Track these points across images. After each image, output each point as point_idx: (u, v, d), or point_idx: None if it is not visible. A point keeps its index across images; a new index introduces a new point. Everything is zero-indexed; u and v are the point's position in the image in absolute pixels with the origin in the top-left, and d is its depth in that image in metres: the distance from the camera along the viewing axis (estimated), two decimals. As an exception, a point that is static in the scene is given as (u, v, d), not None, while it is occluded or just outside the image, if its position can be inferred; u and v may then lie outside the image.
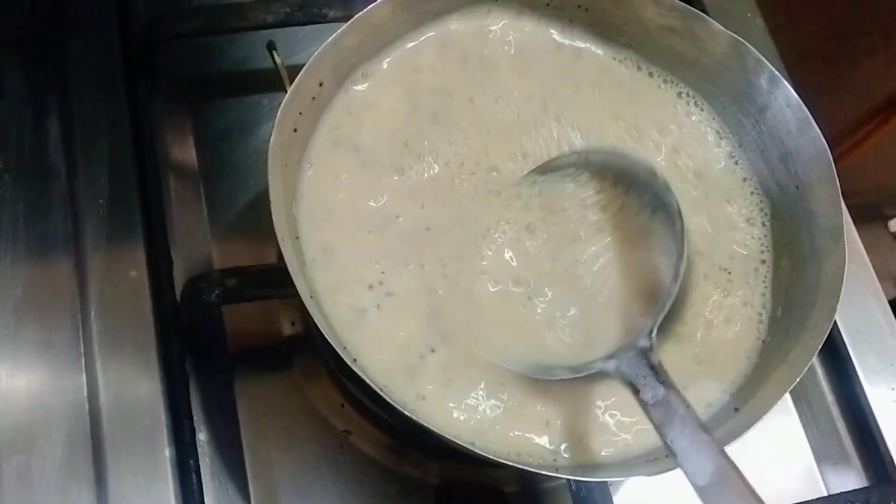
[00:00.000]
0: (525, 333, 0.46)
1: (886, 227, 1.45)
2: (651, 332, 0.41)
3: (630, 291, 0.46)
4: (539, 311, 0.46)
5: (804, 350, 0.42)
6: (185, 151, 0.57)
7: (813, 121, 0.46)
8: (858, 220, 0.59)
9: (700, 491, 0.37)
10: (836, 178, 0.45)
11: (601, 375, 0.43)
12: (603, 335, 0.45)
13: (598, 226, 0.48)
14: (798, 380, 0.41)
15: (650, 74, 0.52)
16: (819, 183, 0.46)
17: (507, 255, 0.47)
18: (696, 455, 0.37)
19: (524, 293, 0.46)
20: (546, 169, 0.48)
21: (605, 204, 0.48)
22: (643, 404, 0.39)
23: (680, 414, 0.38)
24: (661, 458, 0.43)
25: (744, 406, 0.43)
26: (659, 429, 0.38)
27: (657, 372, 0.40)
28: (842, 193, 0.56)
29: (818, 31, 1.11)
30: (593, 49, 0.52)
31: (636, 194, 0.47)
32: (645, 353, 0.40)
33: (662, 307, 0.42)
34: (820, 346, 0.42)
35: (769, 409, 0.41)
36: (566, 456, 0.44)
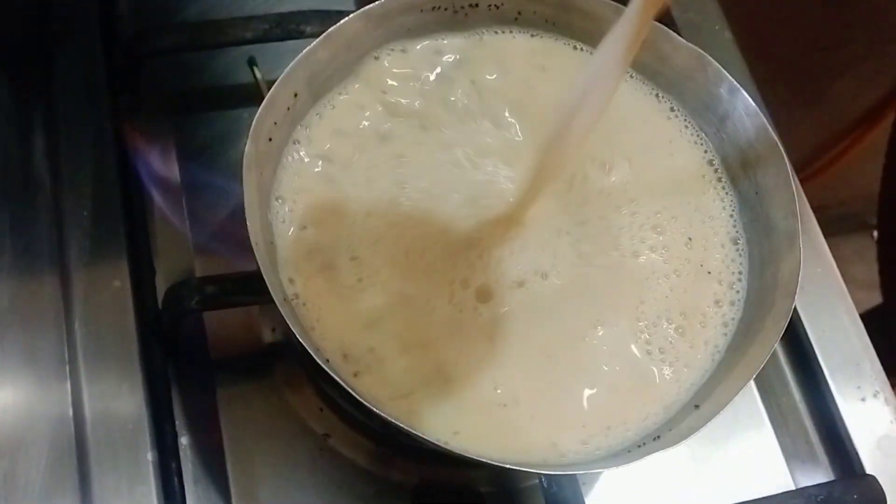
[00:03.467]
0: None
1: (871, 236, 1.46)
2: None
3: None
4: None
5: (760, 349, 0.44)
6: (167, 164, 0.58)
7: (771, 129, 0.48)
8: (843, 230, 0.61)
9: None
10: (792, 186, 0.47)
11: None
12: None
13: None
14: (753, 378, 0.42)
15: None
16: (776, 188, 0.48)
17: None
18: None
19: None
20: None
21: None
22: None
23: None
24: (631, 451, 0.44)
25: (703, 403, 0.45)
26: None
27: None
28: (825, 204, 0.58)
29: (797, 45, 1.13)
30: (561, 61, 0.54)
31: None
32: None
33: None
34: (774, 345, 0.43)
35: (725, 405, 0.42)
36: (543, 456, 0.45)
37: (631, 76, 0.53)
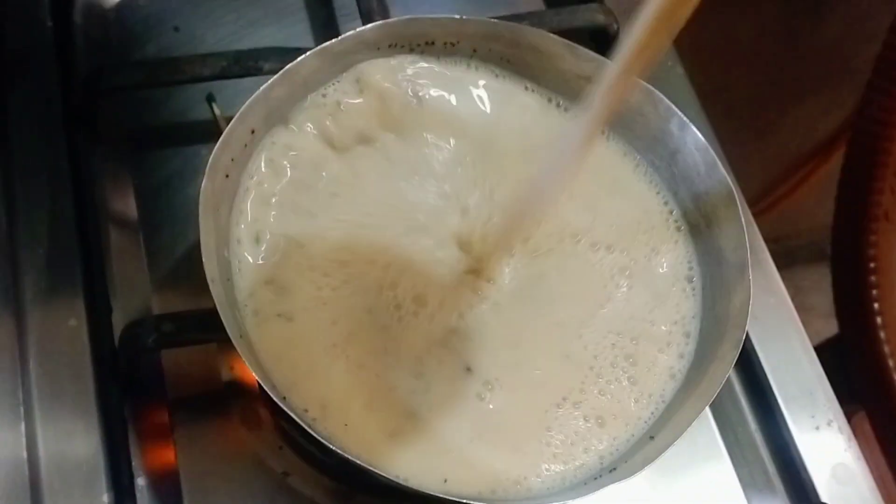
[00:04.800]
0: None
1: (828, 266, 1.48)
2: None
3: None
4: None
5: (713, 380, 0.44)
6: (124, 201, 0.58)
7: (719, 163, 0.49)
8: (801, 261, 0.62)
9: None
10: (741, 218, 0.48)
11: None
12: None
13: None
14: (708, 405, 0.43)
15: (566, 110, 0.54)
16: (726, 221, 0.49)
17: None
18: None
19: None
20: None
21: None
22: None
23: None
24: (588, 483, 0.45)
25: (658, 434, 0.45)
26: None
27: None
28: (784, 235, 0.59)
29: (748, 80, 1.15)
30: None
31: None
32: None
33: None
34: (727, 375, 0.44)
35: (681, 433, 0.43)
36: (503, 489, 0.45)
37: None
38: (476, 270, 0.49)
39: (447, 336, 0.47)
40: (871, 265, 0.90)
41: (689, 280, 0.51)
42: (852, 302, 0.92)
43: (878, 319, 0.87)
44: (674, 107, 0.50)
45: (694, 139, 0.50)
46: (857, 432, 0.56)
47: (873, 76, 0.89)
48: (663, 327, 0.50)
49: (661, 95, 0.50)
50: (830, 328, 1.04)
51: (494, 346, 0.48)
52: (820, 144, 1.32)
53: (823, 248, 1.45)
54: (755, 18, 1.07)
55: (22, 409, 0.49)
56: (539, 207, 0.47)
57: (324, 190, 0.50)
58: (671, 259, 0.51)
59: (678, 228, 0.52)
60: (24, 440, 0.49)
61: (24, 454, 0.48)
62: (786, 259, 0.61)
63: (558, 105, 0.54)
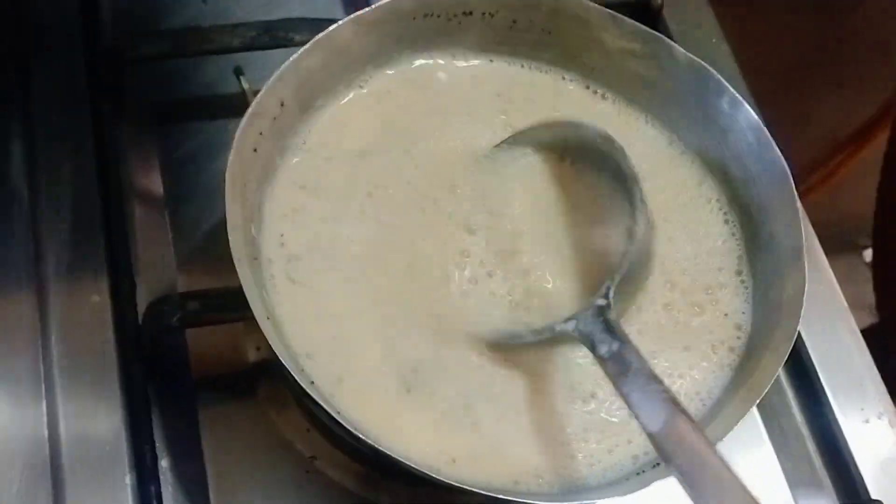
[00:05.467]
0: (489, 307, 0.46)
1: (861, 256, 1.47)
2: (609, 292, 0.43)
3: (590, 263, 0.48)
4: (503, 287, 0.47)
5: (765, 372, 0.43)
6: (150, 175, 0.57)
7: (773, 143, 0.47)
8: (833, 251, 0.60)
9: (652, 438, 0.38)
10: (797, 201, 0.46)
11: (574, 397, 0.44)
12: (566, 305, 0.47)
13: (552, 203, 0.50)
14: (759, 401, 0.41)
15: (603, 97, 0.53)
16: (780, 205, 0.47)
17: (467, 239, 0.48)
18: (648, 404, 0.39)
19: (485, 272, 0.47)
20: (496, 153, 0.50)
21: (555, 180, 0.50)
22: (599, 359, 0.41)
23: (634, 367, 0.40)
24: (630, 479, 0.43)
25: (706, 428, 0.43)
26: (614, 382, 0.40)
27: (612, 327, 0.41)
28: (815, 224, 0.57)
29: (788, 61, 1.13)
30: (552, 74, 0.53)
31: (590, 165, 0.49)
32: (602, 311, 0.42)
33: (619, 268, 0.43)
34: (780, 368, 0.42)
35: (729, 430, 0.41)
36: (540, 481, 0.43)
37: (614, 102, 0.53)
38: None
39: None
40: (913, 254, 0.87)
41: (738, 273, 0.49)
42: (893, 291, 0.90)
43: (920, 310, 0.85)
44: (725, 82, 0.48)
45: (746, 117, 0.48)
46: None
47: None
48: (714, 318, 0.48)
49: (711, 70, 0.48)
50: (862, 320, 1.02)
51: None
52: (855, 131, 1.30)
53: (856, 238, 1.44)
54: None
55: (43, 387, 0.49)
56: None
57: (354, 171, 0.49)
58: (721, 251, 0.50)
59: (726, 221, 0.51)
60: (45, 418, 0.48)
61: (46, 433, 0.48)
62: (818, 247, 0.59)
63: (595, 92, 0.53)
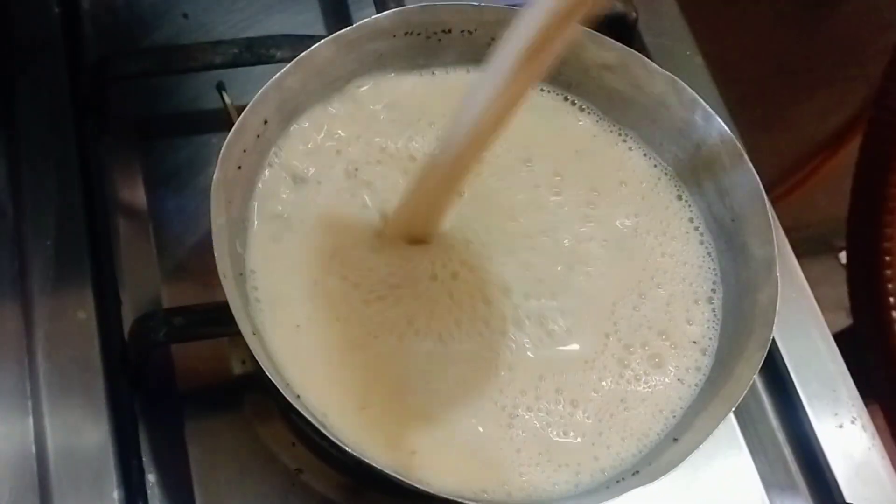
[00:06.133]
0: None
1: (837, 258, 1.48)
2: None
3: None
4: None
5: (738, 382, 0.43)
6: (134, 191, 0.57)
7: (745, 156, 0.48)
8: (809, 253, 0.61)
9: None
10: (768, 211, 0.47)
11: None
12: None
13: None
14: (733, 409, 0.42)
15: (581, 109, 0.54)
16: (752, 215, 0.48)
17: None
18: None
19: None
20: None
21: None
22: None
23: None
24: (610, 486, 0.44)
25: (682, 436, 0.44)
26: None
27: None
28: (792, 227, 0.58)
29: (763, 69, 1.14)
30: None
31: None
32: None
33: None
34: (754, 376, 0.43)
35: (704, 439, 0.42)
36: (520, 492, 0.44)
37: (590, 113, 0.54)
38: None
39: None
40: (887, 258, 0.89)
41: (710, 301, 0.50)
42: (867, 295, 0.91)
43: (894, 314, 0.86)
44: (699, 97, 0.49)
45: (719, 131, 0.49)
46: (870, 427, 0.55)
47: (890, 65, 0.88)
48: (686, 327, 0.49)
49: (685, 85, 0.49)
50: (839, 322, 1.03)
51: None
52: (830, 136, 1.31)
53: (831, 241, 1.45)
54: (769, 7, 1.05)
55: (30, 403, 0.49)
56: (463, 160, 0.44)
57: (337, 183, 0.49)
58: (693, 261, 0.51)
59: (701, 242, 0.51)
60: (32, 434, 0.48)
61: (33, 449, 0.48)
62: (793, 251, 0.60)
63: (573, 104, 0.54)
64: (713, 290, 0.50)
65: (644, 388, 0.47)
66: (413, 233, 0.47)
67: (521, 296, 0.48)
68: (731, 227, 0.49)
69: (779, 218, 0.59)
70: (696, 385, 0.47)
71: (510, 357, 0.47)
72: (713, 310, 0.49)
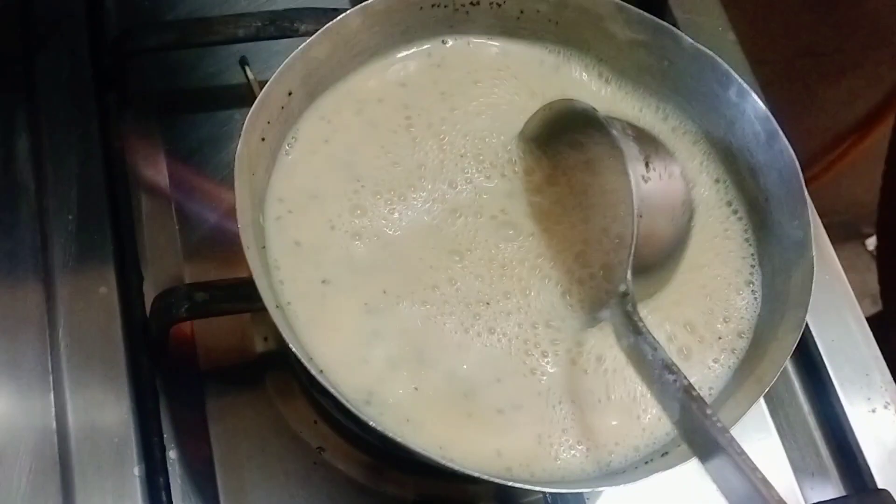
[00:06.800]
0: None
1: (864, 245, 1.46)
2: (626, 278, 0.43)
3: (606, 247, 0.48)
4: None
5: (772, 362, 0.43)
6: (155, 166, 0.57)
7: (781, 133, 0.47)
8: (836, 239, 0.60)
9: (675, 427, 0.40)
10: (804, 190, 0.46)
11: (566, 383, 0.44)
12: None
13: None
14: (765, 392, 0.41)
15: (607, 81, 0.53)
16: (787, 195, 0.47)
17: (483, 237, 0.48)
18: (666, 396, 0.40)
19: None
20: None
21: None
22: (623, 350, 0.42)
23: (648, 358, 0.40)
24: (638, 468, 0.43)
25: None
26: (637, 373, 0.42)
27: (629, 318, 0.42)
28: (818, 212, 0.57)
29: (791, 50, 1.12)
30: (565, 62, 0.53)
31: (583, 147, 0.49)
32: (622, 300, 0.43)
33: (628, 251, 0.43)
34: (787, 358, 0.42)
35: (737, 420, 0.41)
36: (542, 469, 0.43)
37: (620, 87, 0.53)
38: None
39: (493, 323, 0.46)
40: (918, 243, 0.87)
41: (746, 253, 0.49)
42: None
43: (924, 299, 0.85)
44: (733, 72, 0.48)
45: (754, 107, 0.47)
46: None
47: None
48: (725, 311, 0.48)
49: (718, 59, 0.48)
50: (865, 308, 1.02)
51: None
52: (859, 121, 1.29)
53: (859, 227, 1.44)
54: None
55: (51, 379, 0.49)
56: None
57: (363, 156, 0.48)
58: (728, 233, 0.49)
59: (739, 218, 0.50)
60: (53, 410, 0.48)
61: (54, 424, 0.48)
62: (819, 238, 0.59)
63: (607, 80, 0.53)
64: (751, 274, 0.49)
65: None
66: None
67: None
68: (764, 206, 0.48)
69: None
70: (730, 367, 0.46)
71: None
72: (752, 292, 0.48)
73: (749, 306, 0.48)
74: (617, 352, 0.44)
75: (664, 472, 0.41)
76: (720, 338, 0.47)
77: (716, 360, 0.46)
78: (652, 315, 0.47)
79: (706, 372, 0.46)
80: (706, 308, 0.47)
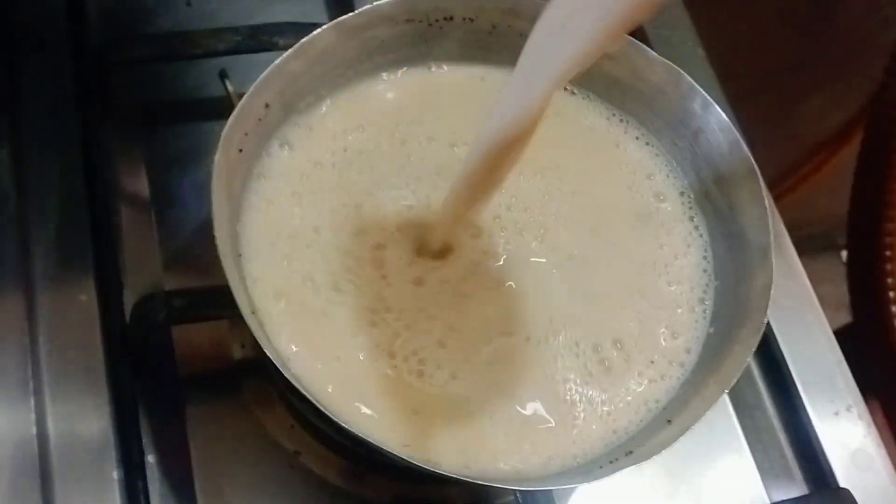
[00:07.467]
0: None
1: (839, 256, 1.48)
2: None
3: None
4: None
5: (734, 364, 0.44)
6: (136, 176, 0.57)
7: (742, 142, 0.48)
8: (811, 250, 0.61)
9: None
10: (765, 198, 0.47)
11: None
12: None
13: None
14: (724, 394, 0.42)
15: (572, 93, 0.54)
16: (749, 203, 0.48)
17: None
18: None
19: None
20: None
21: None
22: None
23: None
24: (603, 466, 0.44)
25: (675, 418, 0.44)
26: None
27: None
28: (793, 225, 0.58)
29: (765, 65, 1.14)
30: None
31: None
32: None
33: None
34: (747, 362, 0.43)
35: (697, 420, 0.42)
36: (513, 467, 0.44)
37: (586, 97, 0.54)
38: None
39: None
40: (887, 254, 0.88)
41: (704, 258, 0.50)
42: (867, 291, 0.91)
43: (893, 309, 0.86)
44: (697, 85, 0.49)
45: (717, 118, 0.49)
46: (869, 422, 0.56)
47: (891, 61, 0.88)
48: (679, 310, 0.49)
49: (684, 73, 0.49)
50: (841, 318, 1.03)
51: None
52: (833, 134, 1.31)
53: (834, 238, 1.45)
54: (773, 2, 1.05)
55: (31, 385, 0.49)
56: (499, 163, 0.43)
57: (339, 170, 0.50)
58: (688, 239, 0.51)
59: (691, 218, 0.52)
60: (33, 416, 0.49)
61: (34, 430, 0.48)
62: (796, 248, 0.60)
63: (573, 92, 0.54)
64: (705, 291, 0.50)
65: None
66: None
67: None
68: (728, 214, 0.50)
69: (781, 215, 0.60)
70: (678, 378, 0.47)
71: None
72: (703, 310, 0.49)
73: (699, 323, 0.49)
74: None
75: (630, 468, 0.42)
76: (675, 336, 0.48)
77: (663, 377, 0.47)
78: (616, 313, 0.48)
79: (674, 364, 0.48)
80: (667, 309, 0.49)
